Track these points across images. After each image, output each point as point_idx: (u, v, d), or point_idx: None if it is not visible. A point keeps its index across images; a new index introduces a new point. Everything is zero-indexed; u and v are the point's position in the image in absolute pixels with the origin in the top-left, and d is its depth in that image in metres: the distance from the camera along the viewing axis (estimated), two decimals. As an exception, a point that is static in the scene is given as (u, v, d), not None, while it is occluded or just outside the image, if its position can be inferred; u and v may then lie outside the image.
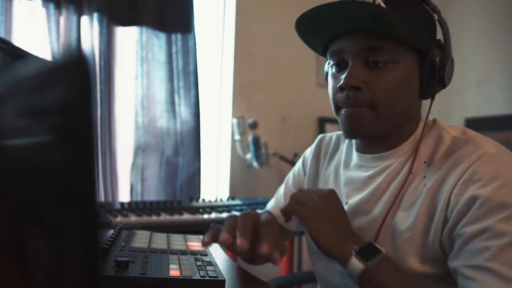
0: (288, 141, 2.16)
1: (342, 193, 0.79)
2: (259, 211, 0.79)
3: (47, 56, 1.55)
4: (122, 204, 1.56)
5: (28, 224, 0.32)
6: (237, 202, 1.77)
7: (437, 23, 0.71)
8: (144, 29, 1.79)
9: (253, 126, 1.97)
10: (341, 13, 0.65)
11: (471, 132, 0.68)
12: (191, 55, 1.87)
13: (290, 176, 0.97)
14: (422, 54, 0.68)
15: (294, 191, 0.89)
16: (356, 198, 0.76)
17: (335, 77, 0.72)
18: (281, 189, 0.97)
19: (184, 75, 1.87)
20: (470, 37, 2.21)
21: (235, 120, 2.02)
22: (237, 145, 2.05)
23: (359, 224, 0.74)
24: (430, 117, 0.74)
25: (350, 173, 0.80)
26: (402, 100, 0.68)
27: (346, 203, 0.77)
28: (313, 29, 0.70)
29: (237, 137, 2.03)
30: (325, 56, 0.76)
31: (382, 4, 0.64)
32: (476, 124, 2.17)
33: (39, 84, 0.32)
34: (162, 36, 1.83)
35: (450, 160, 0.65)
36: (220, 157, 2.18)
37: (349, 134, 0.72)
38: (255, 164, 1.98)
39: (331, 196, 0.71)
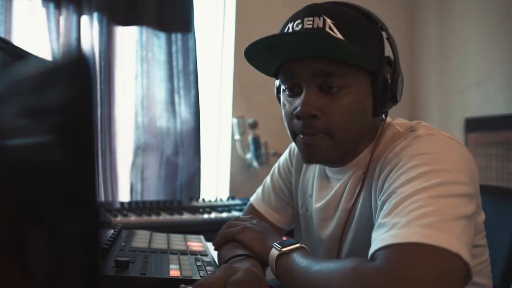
0: (288, 141, 2.14)
1: (314, 197, 0.82)
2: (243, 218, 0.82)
3: (47, 56, 1.55)
4: (122, 203, 1.56)
5: (28, 224, 0.32)
6: (237, 202, 1.77)
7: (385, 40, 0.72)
8: (144, 29, 1.78)
9: (253, 126, 1.97)
10: (293, 42, 0.66)
11: (422, 125, 0.68)
12: (191, 54, 1.87)
13: (275, 168, 0.96)
14: (374, 74, 0.69)
15: (282, 182, 0.92)
16: (320, 204, 0.79)
17: (289, 102, 0.72)
18: (267, 181, 0.96)
19: (184, 75, 1.87)
20: (470, 37, 2.21)
21: (235, 120, 2.02)
22: (237, 145, 2.05)
23: (323, 227, 0.78)
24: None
25: (322, 180, 0.82)
26: (358, 122, 0.69)
27: (315, 209, 0.80)
28: (264, 55, 0.70)
29: (237, 137, 2.03)
30: (275, 77, 0.77)
31: (334, 31, 0.65)
32: (476, 124, 2.17)
33: (39, 84, 0.32)
34: (162, 36, 1.83)
35: (385, 154, 0.67)
36: (220, 157, 2.18)
37: (307, 161, 0.73)
38: (255, 164, 1.98)
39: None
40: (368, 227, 0.66)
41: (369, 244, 0.55)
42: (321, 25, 0.65)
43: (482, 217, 0.69)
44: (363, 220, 0.69)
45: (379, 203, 0.61)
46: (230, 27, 2.12)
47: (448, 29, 2.17)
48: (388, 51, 0.71)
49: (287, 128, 0.74)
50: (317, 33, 0.65)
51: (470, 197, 0.56)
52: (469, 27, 2.22)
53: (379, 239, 0.52)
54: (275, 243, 0.65)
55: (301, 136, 0.70)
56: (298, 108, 0.67)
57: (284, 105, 0.74)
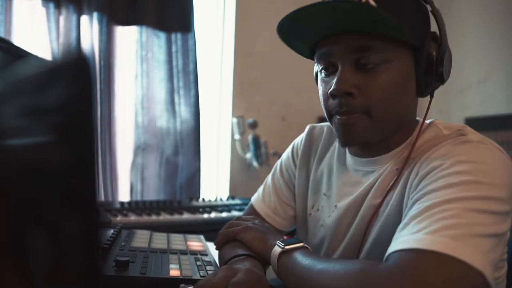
0: (288, 141, 2.14)
1: (334, 194, 0.78)
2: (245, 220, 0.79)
3: (47, 56, 1.55)
4: (122, 203, 1.56)
5: (28, 224, 0.32)
6: (237, 201, 1.77)
7: (430, 14, 0.67)
8: (144, 29, 1.78)
9: (253, 125, 1.97)
10: (327, 13, 0.60)
11: (470, 129, 0.64)
12: (191, 54, 1.87)
13: (277, 167, 0.92)
14: (417, 50, 0.64)
15: (283, 183, 0.88)
16: (347, 201, 0.73)
17: (325, 82, 0.68)
18: (268, 181, 0.92)
19: (184, 75, 1.87)
20: (470, 36, 2.21)
21: (235, 120, 2.02)
22: (237, 144, 2.05)
23: (346, 227, 0.73)
24: (430, 116, 0.72)
25: (345, 176, 0.77)
26: (398, 102, 0.65)
27: (336, 206, 0.75)
28: (297, 32, 0.66)
29: (237, 136, 2.03)
30: (312, 59, 0.73)
31: (371, 2, 0.60)
32: (476, 123, 2.16)
33: (39, 84, 0.32)
34: (162, 36, 1.83)
35: (427, 154, 0.63)
36: (220, 157, 2.18)
37: (344, 143, 0.69)
38: (255, 163, 1.98)
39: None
40: (394, 227, 0.62)
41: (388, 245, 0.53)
42: None
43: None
44: (390, 220, 0.65)
45: (410, 201, 0.58)
46: (230, 27, 2.12)
47: (448, 28, 2.17)
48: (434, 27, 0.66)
49: (323, 109, 0.70)
50: (353, 1, 0.59)
51: (506, 215, 0.53)
52: (469, 26, 2.22)
53: (402, 240, 0.50)
54: (278, 241, 0.64)
55: (337, 116, 0.66)
56: (333, 87, 0.63)
57: (320, 86, 0.70)
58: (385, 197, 0.66)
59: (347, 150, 0.78)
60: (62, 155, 0.29)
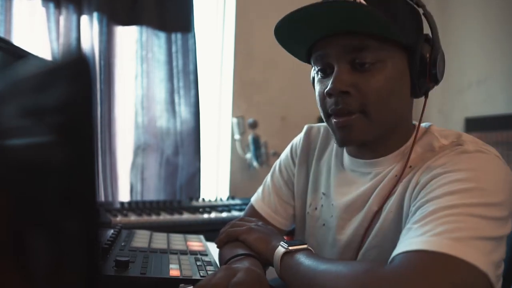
0: (288, 141, 2.14)
1: (331, 193, 0.79)
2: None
3: (47, 56, 1.55)
4: (122, 203, 1.56)
5: (28, 224, 0.32)
6: (237, 201, 1.77)
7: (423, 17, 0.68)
8: (144, 29, 1.78)
9: (253, 125, 1.97)
10: (322, 14, 0.62)
11: (466, 138, 0.65)
12: (191, 54, 1.87)
13: (276, 167, 0.93)
14: (411, 51, 0.65)
15: (283, 182, 0.89)
16: (343, 201, 0.75)
17: (322, 82, 0.69)
18: (268, 180, 0.93)
19: (184, 75, 1.87)
20: (470, 36, 2.21)
21: (235, 120, 2.02)
22: (237, 144, 2.05)
23: (344, 228, 0.74)
24: (430, 116, 0.72)
25: (342, 175, 0.78)
26: (394, 101, 0.66)
27: (332, 205, 0.77)
28: (294, 34, 0.67)
29: (237, 136, 2.03)
30: (309, 62, 0.74)
31: (363, 2, 0.61)
32: (476, 124, 2.17)
33: (39, 84, 0.32)
34: (162, 36, 1.83)
35: (427, 164, 0.64)
36: (220, 157, 2.18)
37: (342, 143, 0.69)
38: (255, 163, 1.98)
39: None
40: (391, 232, 0.64)
41: (386, 250, 0.54)
42: None
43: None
44: (386, 225, 0.66)
45: (412, 208, 0.59)
46: (230, 27, 2.12)
47: (448, 28, 2.16)
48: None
49: (320, 110, 0.70)
50: (347, 2, 0.61)
51: (505, 220, 0.55)
52: (469, 26, 2.22)
53: (408, 242, 0.51)
54: (282, 242, 0.64)
55: (334, 119, 0.67)
56: (329, 86, 0.64)
57: (316, 87, 0.71)
58: (383, 203, 0.68)
59: (344, 149, 0.79)
60: (62, 155, 0.29)
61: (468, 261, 0.46)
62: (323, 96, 0.67)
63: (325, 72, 0.68)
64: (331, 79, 0.64)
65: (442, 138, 0.67)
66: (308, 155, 0.88)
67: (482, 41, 2.16)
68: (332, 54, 0.65)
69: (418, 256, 0.48)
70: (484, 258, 0.47)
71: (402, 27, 0.64)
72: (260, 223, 0.79)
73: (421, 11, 0.67)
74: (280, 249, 0.63)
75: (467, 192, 0.54)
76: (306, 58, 0.73)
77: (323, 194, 0.81)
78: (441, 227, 0.50)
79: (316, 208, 0.82)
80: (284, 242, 0.64)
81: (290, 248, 0.62)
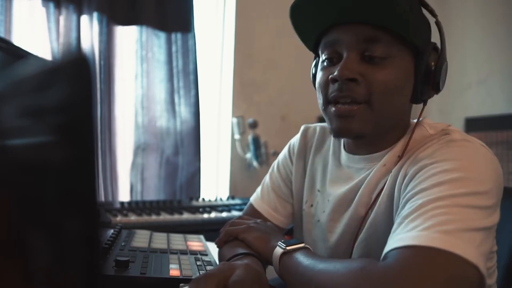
0: (288, 141, 2.15)
1: (326, 189, 0.80)
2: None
3: (47, 56, 1.55)
4: (122, 203, 1.56)
5: (29, 224, 0.32)
6: (237, 201, 1.77)
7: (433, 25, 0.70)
8: (144, 29, 1.78)
9: (253, 125, 1.97)
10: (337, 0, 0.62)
11: (453, 128, 0.67)
12: (191, 54, 1.87)
13: (274, 166, 0.94)
14: (418, 55, 0.66)
15: (281, 181, 0.90)
16: (335, 195, 0.76)
17: (326, 69, 0.67)
18: (267, 179, 0.94)
19: (184, 75, 1.87)
20: (470, 36, 2.21)
21: (235, 120, 2.02)
22: (237, 144, 2.05)
23: (338, 222, 0.75)
24: (431, 115, 0.73)
25: (338, 172, 0.79)
26: (398, 98, 0.66)
27: (328, 200, 0.78)
28: (307, 16, 0.66)
29: (237, 136, 2.03)
30: (315, 52, 0.74)
31: None
32: (476, 124, 2.17)
33: (39, 84, 0.32)
34: (162, 36, 1.83)
35: (414, 154, 0.65)
36: (220, 157, 2.18)
37: (338, 133, 0.68)
38: (255, 163, 1.98)
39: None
40: (383, 223, 0.65)
41: (381, 242, 0.55)
42: None
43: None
44: (378, 216, 0.67)
45: (402, 201, 0.60)
46: (230, 27, 2.12)
47: (448, 28, 2.17)
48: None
49: (319, 97, 0.70)
50: None
51: (493, 208, 0.55)
52: (469, 26, 2.22)
53: (397, 238, 0.51)
54: (280, 242, 0.65)
55: (336, 105, 0.66)
56: (336, 72, 0.63)
57: (319, 74, 0.70)
58: (376, 197, 0.68)
59: (342, 147, 0.80)
60: (63, 155, 0.29)
61: (458, 254, 0.47)
62: (326, 83, 0.67)
63: (332, 61, 0.67)
64: (339, 66, 0.64)
65: (431, 129, 0.68)
66: (305, 153, 0.89)
67: (482, 41, 2.16)
68: (344, 42, 0.65)
69: (409, 252, 0.48)
70: (473, 250, 0.48)
71: (415, 27, 0.64)
72: (259, 220, 0.79)
73: (433, 20, 0.68)
74: (278, 249, 0.64)
75: (454, 183, 0.54)
76: (314, 45, 0.73)
77: (318, 191, 0.82)
78: (430, 220, 0.50)
79: (312, 205, 0.83)
80: (282, 242, 0.65)
81: (288, 248, 0.63)
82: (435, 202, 0.53)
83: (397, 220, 0.56)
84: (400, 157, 0.67)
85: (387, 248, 0.52)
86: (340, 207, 0.75)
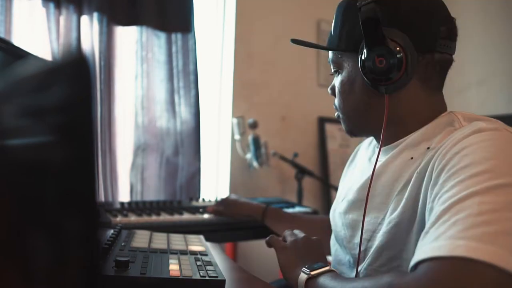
0: (288, 141, 2.16)
1: (351, 187, 0.82)
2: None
3: (47, 56, 1.55)
4: (122, 204, 1.56)
5: (28, 224, 0.32)
6: (237, 202, 1.77)
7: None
8: (144, 29, 1.78)
9: (253, 126, 1.97)
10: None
11: (488, 118, 0.64)
12: (191, 54, 1.87)
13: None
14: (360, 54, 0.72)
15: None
16: (355, 188, 0.78)
17: None
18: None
19: (184, 75, 1.87)
20: (470, 37, 2.21)
21: (235, 120, 2.02)
22: (237, 145, 2.05)
23: (358, 210, 0.76)
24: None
25: (365, 168, 0.84)
26: (349, 100, 0.77)
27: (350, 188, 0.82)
28: None
29: (237, 137, 2.03)
30: None
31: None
32: (476, 124, 2.16)
33: (39, 84, 0.32)
34: (162, 36, 1.83)
35: (445, 143, 0.62)
36: (220, 157, 2.18)
37: (346, 133, 0.83)
38: (255, 164, 1.98)
39: (308, 242, 0.76)
40: (410, 217, 0.63)
41: (403, 234, 0.60)
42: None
43: None
44: (407, 211, 0.64)
45: (428, 206, 0.57)
46: (230, 27, 2.12)
47: (448, 29, 2.16)
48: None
49: None
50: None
51: None
52: (469, 26, 2.22)
53: (422, 250, 0.49)
54: (304, 268, 0.65)
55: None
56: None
57: None
58: (403, 187, 0.66)
59: (374, 144, 0.87)
60: (62, 155, 0.29)
61: (485, 261, 0.42)
62: None
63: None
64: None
65: (461, 117, 0.68)
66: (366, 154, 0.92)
67: (482, 42, 2.16)
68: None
69: (436, 265, 0.45)
70: (506, 254, 0.42)
71: (345, 35, 0.74)
72: (302, 236, 0.78)
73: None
74: (303, 276, 0.64)
75: (478, 177, 0.50)
76: None
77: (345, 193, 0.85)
78: (454, 226, 0.47)
79: (335, 210, 0.87)
80: (306, 267, 0.65)
81: (312, 273, 0.63)
82: (457, 204, 0.49)
83: (425, 229, 0.53)
84: (428, 149, 0.66)
85: (414, 259, 0.49)
86: (360, 197, 0.76)
